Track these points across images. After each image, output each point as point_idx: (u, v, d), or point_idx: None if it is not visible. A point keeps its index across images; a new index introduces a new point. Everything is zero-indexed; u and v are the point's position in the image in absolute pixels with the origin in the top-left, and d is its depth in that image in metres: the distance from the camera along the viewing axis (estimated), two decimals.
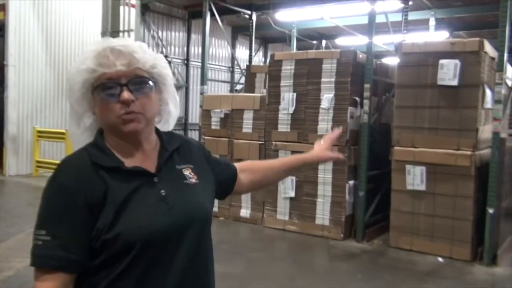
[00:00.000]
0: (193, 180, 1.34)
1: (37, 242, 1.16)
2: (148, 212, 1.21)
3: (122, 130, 1.23)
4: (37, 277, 1.16)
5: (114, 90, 1.21)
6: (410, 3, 8.17)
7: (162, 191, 1.25)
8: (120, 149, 1.27)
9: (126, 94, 1.20)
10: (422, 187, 5.24)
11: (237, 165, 1.64)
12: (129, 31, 8.29)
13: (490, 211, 4.94)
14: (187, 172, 1.34)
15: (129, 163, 1.26)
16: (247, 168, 1.65)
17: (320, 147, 1.73)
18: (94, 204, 1.17)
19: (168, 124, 1.42)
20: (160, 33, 10.87)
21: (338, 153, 1.79)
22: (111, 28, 8.36)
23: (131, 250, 1.16)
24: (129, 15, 8.42)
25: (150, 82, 1.26)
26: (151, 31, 10.56)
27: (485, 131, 5.26)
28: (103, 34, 8.44)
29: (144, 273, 1.19)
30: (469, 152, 5.01)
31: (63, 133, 9.03)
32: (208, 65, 9.43)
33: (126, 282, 1.18)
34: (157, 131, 1.38)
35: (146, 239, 1.18)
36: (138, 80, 1.23)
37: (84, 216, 1.16)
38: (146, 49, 1.28)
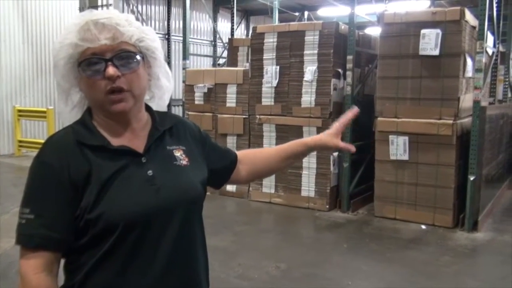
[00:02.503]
0: (184, 162, 1.30)
1: (21, 221, 1.15)
2: (132, 193, 1.18)
3: (109, 109, 1.20)
4: (22, 255, 1.16)
5: (99, 66, 1.16)
6: None
7: (149, 171, 1.22)
8: (108, 128, 1.24)
9: (111, 70, 1.15)
10: (405, 157, 5.32)
11: (238, 153, 1.56)
12: (107, 5, 8.12)
13: (471, 178, 5.04)
14: (178, 154, 1.30)
15: (116, 142, 1.23)
16: (246, 157, 1.57)
17: (328, 132, 1.52)
18: (78, 183, 1.15)
19: (163, 99, 1.36)
20: (139, 7, 10.67)
21: (349, 145, 1.57)
22: (89, 3, 8.17)
23: (114, 231, 1.15)
24: None
25: (138, 57, 1.21)
26: (131, 6, 10.36)
27: (466, 100, 5.32)
28: (81, 9, 8.25)
29: (130, 254, 1.17)
30: (450, 121, 5.07)
31: (44, 112, 8.89)
32: (190, 40, 9.33)
33: (111, 263, 1.17)
34: (150, 109, 1.34)
35: (129, 220, 1.15)
36: (124, 55, 1.18)
37: (67, 195, 1.15)
38: (132, 21, 1.22)
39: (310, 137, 1.56)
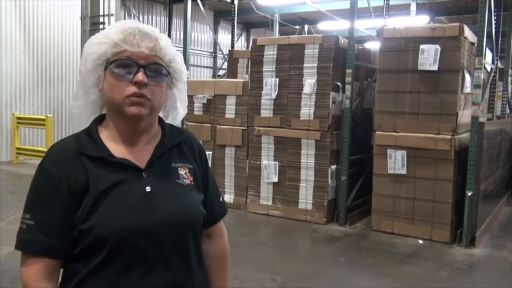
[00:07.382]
0: (187, 181, 1.28)
1: (22, 226, 1.17)
2: (126, 208, 1.17)
3: (125, 112, 1.19)
4: (23, 261, 1.16)
5: (130, 69, 1.18)
6: None
7: (148, 187, 1.20)
8: (113, 138, 1.24)
9: (141, 76, 1.17)
10: (403, 171, 5.32)
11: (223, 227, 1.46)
12: (109, 15, 8.16)
13: (469, 193, 5.04)
14: (182, 172, 1.28)
15: (119, 153, 1.22)
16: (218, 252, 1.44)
17: None
18: (76, 192, 1.16)
19: (175, 120, 1.38)
20: (141, 17, 10.74)
21: None
22: (91, 13, 8.22)
23: (104, 245, 1.14)
24: None
25: (167, 73, 1.24)
26: (132, 16, 10.42)
27: (465, 116, 5.34)
28: (83, 19, 8.30)
29: (122, 269, 1.16)
30: (449, 136, 5.08)
31: (43, 120, 8.90)
32: (190, 50, 9.37)
33: (103, 276, 1.16)
34: (162, 123, 1.34)
35: (119, 236, 1.14)
36: (156, 67, 1.21)
37: (66, 203, 1.16)
38: (170, 42, 1.27)
39: None
